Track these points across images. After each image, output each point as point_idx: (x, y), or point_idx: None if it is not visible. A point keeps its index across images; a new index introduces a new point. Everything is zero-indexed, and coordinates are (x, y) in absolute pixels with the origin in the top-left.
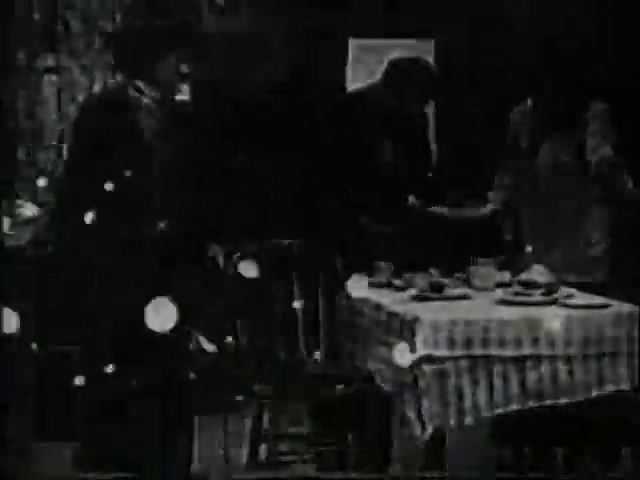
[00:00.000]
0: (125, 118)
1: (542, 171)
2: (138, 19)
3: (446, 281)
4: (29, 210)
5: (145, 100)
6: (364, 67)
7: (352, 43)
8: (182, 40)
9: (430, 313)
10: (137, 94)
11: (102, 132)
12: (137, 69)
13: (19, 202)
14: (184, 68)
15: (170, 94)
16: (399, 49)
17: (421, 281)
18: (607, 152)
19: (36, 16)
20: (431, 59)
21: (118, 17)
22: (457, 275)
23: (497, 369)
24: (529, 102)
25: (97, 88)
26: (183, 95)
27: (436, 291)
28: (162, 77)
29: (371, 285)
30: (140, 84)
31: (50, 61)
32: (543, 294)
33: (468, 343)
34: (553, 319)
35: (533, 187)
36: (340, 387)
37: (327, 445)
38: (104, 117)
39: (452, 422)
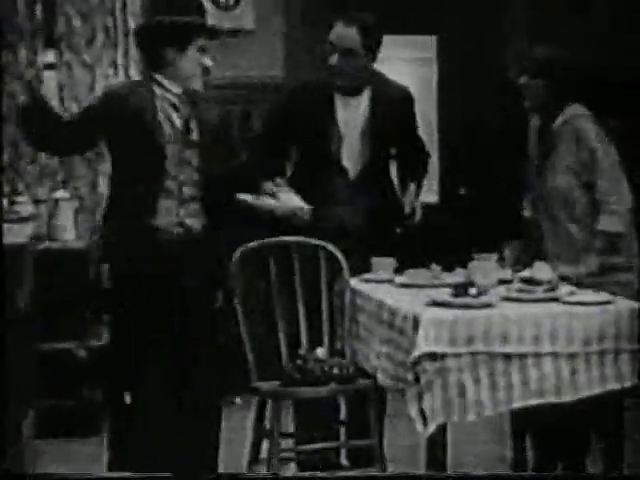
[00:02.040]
0: (144, 111)
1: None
2: (156, 14)
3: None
4: (29, 207)
5: (166, 94)
6: None
7: None
8: (200, 33)
9: (432, 310)
10: (159, 88)
11: (124, 125)
12: (159, 64)
13: (20, 199)
14: (206, 61)
15: (192, 87)
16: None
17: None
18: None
19: (37, 11)
20: (433, 55)
21: (117, 14)
22: (458, 270)
23: (499, 366)
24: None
25: (102, 84)
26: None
27: (461, 293)
28: (183, 70)
29: (371, 281)
30: (160, 78)
31: (50, 57)
32: (545, 291)
33: (470, 340)
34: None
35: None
36: (342, 384)
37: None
38: (126, 110)
39: (454, 419)
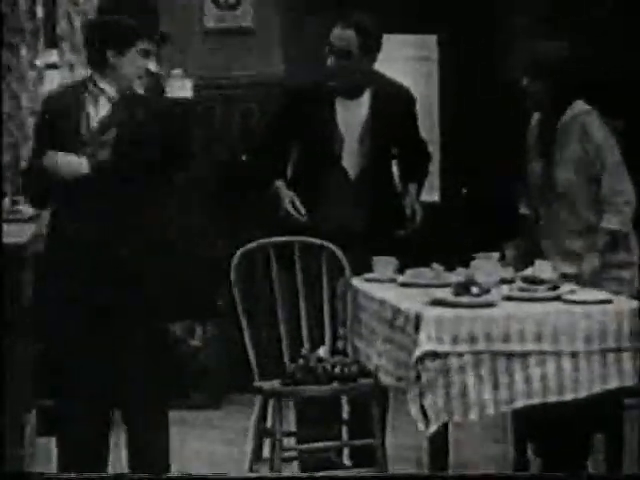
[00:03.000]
0: (70, 111)
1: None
2: (107, 14)
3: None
4: (31, 208)
5: (97, 94)
6: None
7: None
8: (140, 36)
9: (434, 309)
10: (93, 87)
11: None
12: (99, 64)
13: (21, 199)
14: (150, 65)
15: (127, 89)
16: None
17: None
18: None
19: (39, 11)
20: (435, 55)
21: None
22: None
23: (501, 365)
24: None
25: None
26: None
27: (462, 293)
28: (122, 73)
29: (373, 280)
30: (98, 78)
31: (52, 57)
32: (547, 290)
33: (472, 339)
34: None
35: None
36: (344, 383)
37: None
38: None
39: (456, 418)
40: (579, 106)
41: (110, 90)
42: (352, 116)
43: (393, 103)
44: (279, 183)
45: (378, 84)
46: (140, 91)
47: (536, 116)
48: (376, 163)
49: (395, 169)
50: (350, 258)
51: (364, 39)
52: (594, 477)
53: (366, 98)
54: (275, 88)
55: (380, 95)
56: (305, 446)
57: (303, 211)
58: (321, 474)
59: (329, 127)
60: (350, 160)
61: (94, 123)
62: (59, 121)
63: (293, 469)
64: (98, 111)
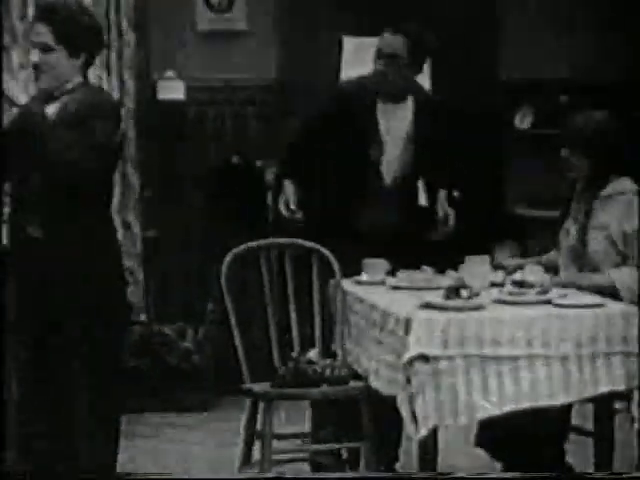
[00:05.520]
0: None
1: None
2: None
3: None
4: None
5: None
6: (360, 65)
7: (346, 41)
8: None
9: (424, 312)
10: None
11: None
12: None
13: None
14: (33, 57)
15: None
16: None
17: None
18: None
19: (30, 13)
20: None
21: (111, 15)
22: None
23: (491, 369)
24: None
25: None
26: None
27: (453, 296)
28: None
29: (363, 283)
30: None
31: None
32: (537, 293)
33: (462, 342)
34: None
35: None
36: (334, 386)
37: (321, 444)
38: None
39: (446, 422)
40: (625, 184)
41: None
42: (395, 122)
43: (434, 114)
44: (286, 182)
45: (419, 94)
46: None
47: (579, 186)
48: (413, 170)
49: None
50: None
51: (412, 46)
52: (584, 477)
53: (409, 105)
54: (269, 90)
55: (422, 104)
56: (296, 448)
57: (298, 213)
58: (318, 475)
59: (371, 131)
60: (389, 166)
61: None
62: None
63: (283, 472)
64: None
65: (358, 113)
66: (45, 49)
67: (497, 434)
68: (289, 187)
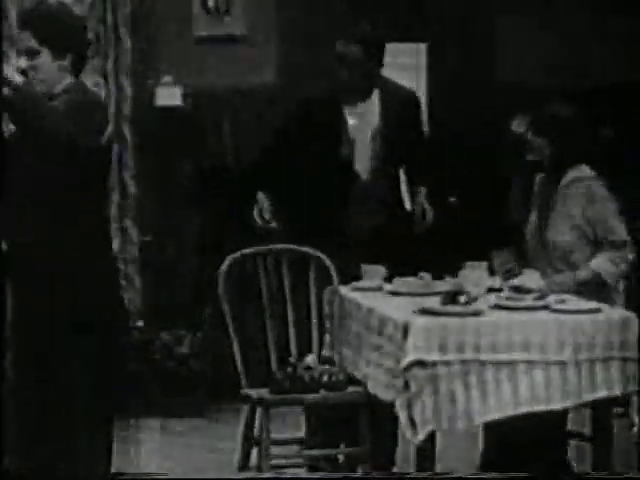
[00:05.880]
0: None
1: None
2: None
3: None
4: None
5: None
6: None
7: None
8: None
9: (421, 318)
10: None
11: None
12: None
13: None
14: (21, 64)
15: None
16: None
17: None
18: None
19: None
20: (424, 62)
21: (108, 21)
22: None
23: (489, 374)
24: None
25: None
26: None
27: (450, 302)
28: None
29: (360, 289)
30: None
31: None
32: (535, 299)
33: (460, 348)
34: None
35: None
36: (332, 392)
37: (319, 450)
38: None
39: (444, 427)
40: (583, 171)
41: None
42: (362, 120)
43: (401, 106)
44: (259, 195)
45: (386, 87)
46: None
47: (539, 177)
48: (386, 165)
49: (402, 172)
50: (363, 261)
51: (368, 47)
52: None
53: (375, 101)
54: (266, 95)
55: (389, 98)
56: (294, 454)
57: (272, 221)
58: (316, 475)
59: (339, 132)
60: (362, 163)
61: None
62: None
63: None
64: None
65: (325, 116)
66: (30, 53)
67: (503, 455)
68: (262, 197)
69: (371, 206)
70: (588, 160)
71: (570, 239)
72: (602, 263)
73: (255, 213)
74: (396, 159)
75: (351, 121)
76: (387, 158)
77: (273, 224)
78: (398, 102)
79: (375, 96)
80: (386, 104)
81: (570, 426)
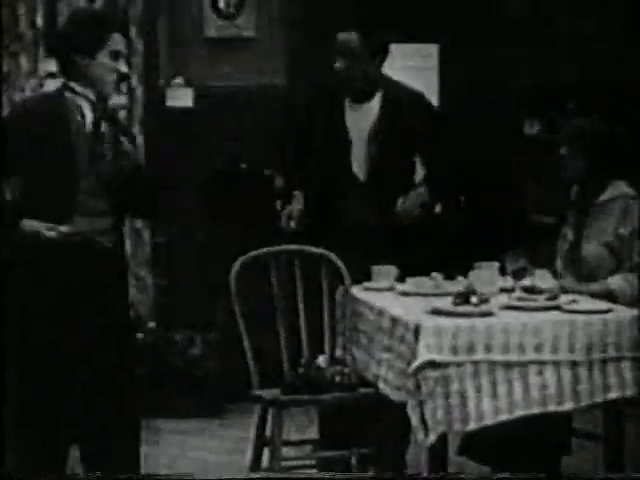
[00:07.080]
0: (59, 120)
1: None
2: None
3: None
4: None
5: (80, 101)
6: None
7: None
8: (107, 40)
9: (433, 318)
10: (72, 95)
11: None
12: (72, 70)
13: None
14: (121, 67)
15: (106, 93)
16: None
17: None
18: None
19: (39, 20)
20: (435, 63)
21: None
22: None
23: (501, 375)
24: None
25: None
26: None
27: (462, 302)
28: (95, 76)
29: (373, 289)
30: (75, 85)
31: (52, 66)
32: (546, 299)
33: (471, 348)
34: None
35: None
36: (344, 392)
37: (331, 451)
38: (39, 120)
39: (456, 428)
40: (622, 188)
41: (90, 95)
42: (362, 120)
43: (403, 108)
44: (296, 193)
45: (389, 89)
46: (111, 92)
47: (574, 191)
48: (385, 167)
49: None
50: (362, 261)
51: (368, 40)
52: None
53: (376, 102)
54: (276, 97)
55: (391, 99)
56: (306, 455)
57: (301, 223)
58: (318, 475)
59: (338, 132)
60: (359, 164)
61: (85, 130)
62: (38, 130)
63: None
64: (85, 117)
65: (327, 115)
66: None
67: (483, 440)
68: (298, 196)
69: (368, 207)
70: (625, 175)
71: (599, 255)
72: (618, 280)
73: (283, 215)
74: (395, 162)
75: (350, 119)
76: (384, 160)
77: (296, 228)
78: (401, 103)
79: (377, 97)
80: (387, 103)
81: (581, 426)
